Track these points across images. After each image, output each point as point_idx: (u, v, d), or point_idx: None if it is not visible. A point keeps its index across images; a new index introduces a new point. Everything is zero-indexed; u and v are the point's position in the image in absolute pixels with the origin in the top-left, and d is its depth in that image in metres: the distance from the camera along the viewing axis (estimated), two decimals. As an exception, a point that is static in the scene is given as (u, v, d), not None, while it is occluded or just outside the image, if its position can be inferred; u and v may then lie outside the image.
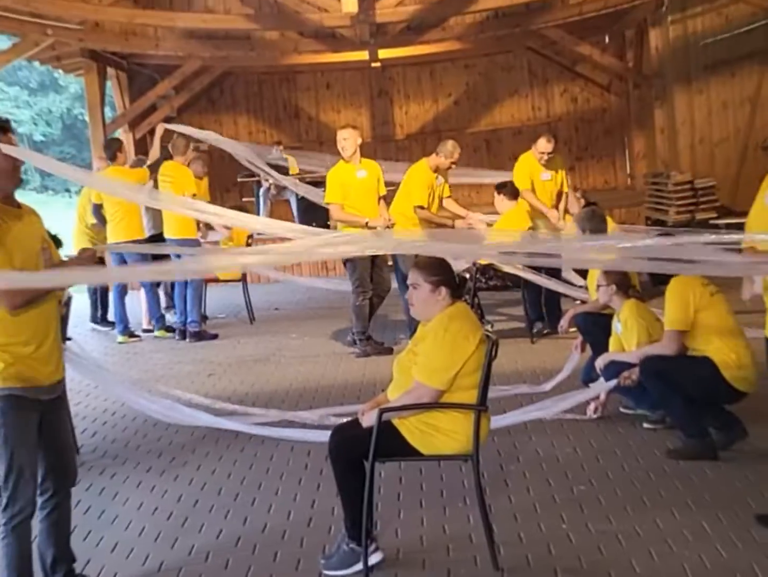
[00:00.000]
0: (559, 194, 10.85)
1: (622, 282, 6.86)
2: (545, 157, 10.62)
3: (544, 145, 10.63)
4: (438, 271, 5.02)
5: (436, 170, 10.04)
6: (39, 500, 4.68)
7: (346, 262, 9.78)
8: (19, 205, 4.67)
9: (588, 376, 7.33)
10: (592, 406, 7.11)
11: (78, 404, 8.35)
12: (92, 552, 5.40)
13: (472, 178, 13.72)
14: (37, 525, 4.71)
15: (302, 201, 16.08)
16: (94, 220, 11.75)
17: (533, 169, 10.74)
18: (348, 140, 9.56)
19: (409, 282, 5.11)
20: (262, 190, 17.22)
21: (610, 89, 19.05)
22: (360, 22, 12.59)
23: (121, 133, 17.36)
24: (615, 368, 6.66)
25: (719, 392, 6.15)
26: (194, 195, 11.03)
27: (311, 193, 12.97)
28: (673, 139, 15.87)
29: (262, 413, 7.52)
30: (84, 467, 6.83)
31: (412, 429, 4.87)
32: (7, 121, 5.20)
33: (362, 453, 4.85)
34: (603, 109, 19.39)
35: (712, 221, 13.11)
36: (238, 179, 17.78)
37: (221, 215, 7.26)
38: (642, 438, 6.68)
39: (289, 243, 5.87)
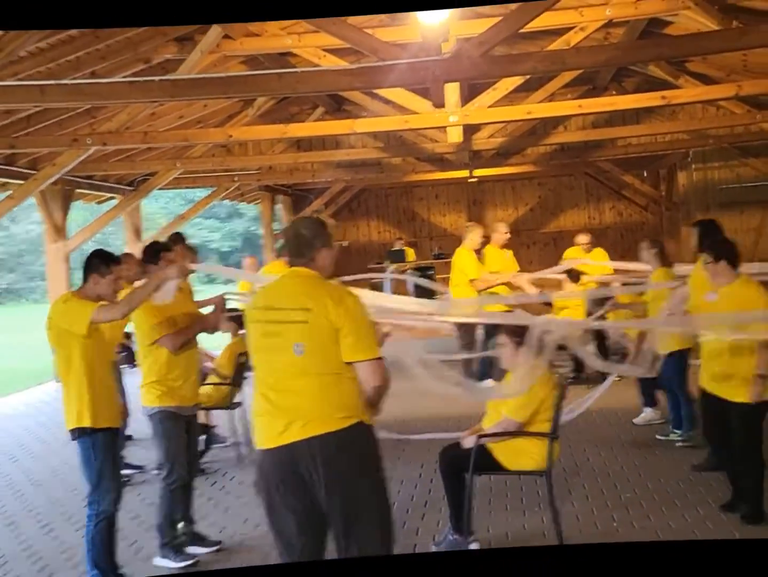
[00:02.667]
0: None
1: None
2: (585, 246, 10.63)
3: (583, 238, 10.67)
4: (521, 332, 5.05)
5: (503, 246, 10.11)
6: None
7: (460, 327, 9.68)
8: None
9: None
10: None
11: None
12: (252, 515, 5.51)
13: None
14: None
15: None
16: None
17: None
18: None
19: (500, 341, 5.14)
20: (386, 274, 17.38)
21: (648, 209, 18.88)
22: (461, 150, 12.69)
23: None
24: None
25: None
26: None
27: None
28: (696, 250, 15.71)
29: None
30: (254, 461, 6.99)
31: (501, 450, 4.86)
32: (179, 234, 5.99)
33: (464, 468, 4.85)
34: (642, 223, 19.16)
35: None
36: (368, 267, 18.03)
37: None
38: (673, 457, 6.60)
39: None
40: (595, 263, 10.49)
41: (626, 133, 13.45)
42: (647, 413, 7.65)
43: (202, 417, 7.70)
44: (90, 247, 6.37)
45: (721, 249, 5.18)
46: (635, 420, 7.66)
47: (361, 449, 3.43)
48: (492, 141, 13.03)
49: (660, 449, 6.86)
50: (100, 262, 4.60)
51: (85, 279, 4.60)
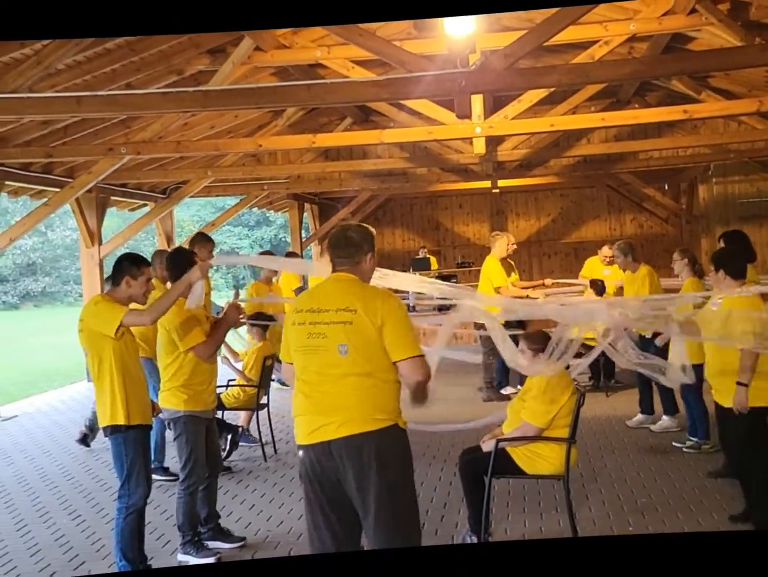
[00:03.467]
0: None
1: None
2: (608, 259, 10.47)
3: (606, 250, 10.53)
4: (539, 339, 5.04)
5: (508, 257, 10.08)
6: None
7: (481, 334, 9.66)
8: None
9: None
10: None
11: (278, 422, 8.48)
12: (276, 513, 5.53)
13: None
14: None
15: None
16: None
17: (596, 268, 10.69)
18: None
19: (520, 348, 5.13)
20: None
21: (668, 221, 18.72)
22: (485, 161, 12.65)
23: (313, 246, 18.24)
24: None
25: None
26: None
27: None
28: (715, 261, 15.58)
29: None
30: (279, 460, 7.09)
31: (519, 454, 4.85)
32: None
33: (483, 471, 4.85)
34: (662, 235, 19.01)
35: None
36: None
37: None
38: (689, 464, 6.55)
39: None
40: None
41: (648, 147, 13.37)
42: (664, 421, 7.62)
43: (241, 419, 7.80)
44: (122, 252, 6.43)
45: (719, 259, 5.16)
46: (652, 427, 7.64)
47: (393, 450, 3.47)
48: (516, 152, 13.01)
49: (676, 456, 6.83)
50: (131, 264, 4.65)
51: (117, 282, 4.63)
